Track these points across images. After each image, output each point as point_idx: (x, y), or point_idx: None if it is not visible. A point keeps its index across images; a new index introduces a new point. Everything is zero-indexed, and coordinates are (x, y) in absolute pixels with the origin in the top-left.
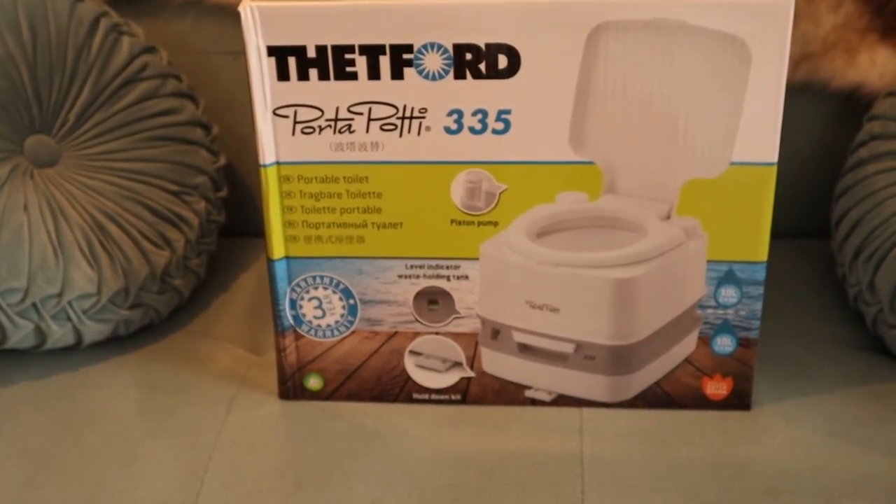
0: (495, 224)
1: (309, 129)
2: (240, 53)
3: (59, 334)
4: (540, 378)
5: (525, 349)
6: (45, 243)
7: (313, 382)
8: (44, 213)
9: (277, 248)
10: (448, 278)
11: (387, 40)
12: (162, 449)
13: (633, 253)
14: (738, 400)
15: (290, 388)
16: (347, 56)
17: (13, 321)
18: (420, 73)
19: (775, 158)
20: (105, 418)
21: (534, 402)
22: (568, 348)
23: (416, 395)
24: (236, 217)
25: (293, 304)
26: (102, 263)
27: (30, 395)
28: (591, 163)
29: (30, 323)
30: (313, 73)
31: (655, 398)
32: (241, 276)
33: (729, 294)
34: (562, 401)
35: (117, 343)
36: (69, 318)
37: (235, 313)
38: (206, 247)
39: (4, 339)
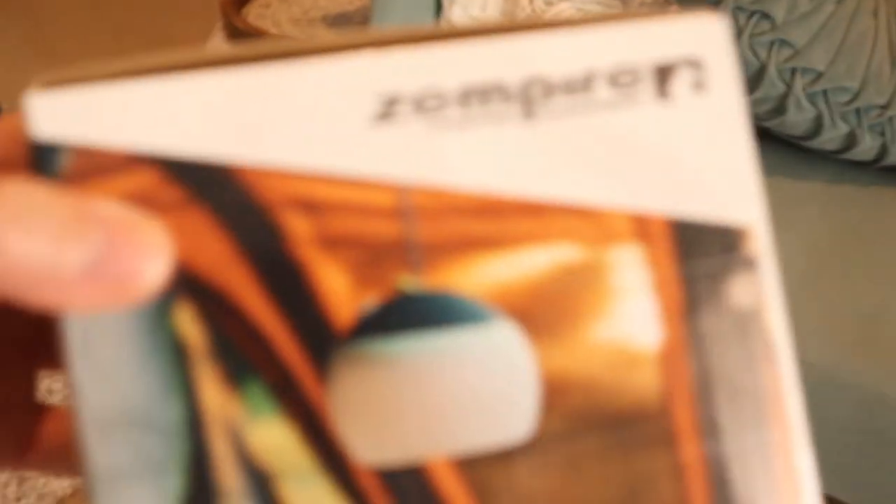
0: None
1: None
2: None
3: (867, 146)
4: None
5: None
6: (884, 53)
7: None
8: (891, 24)
9: None
10: None
11: None
12: None
13: None
14: None
15: None
16: None
17: (834, 121)
18: None
19: None
20: None
21: None
22: None
23: None
24: None
25: None
26: None
27: (824, 199)
28: None
29: (846, 126)
30: None
31: None
32: None
33: None
34: None
35: None
36: (883, 133)
37: None
38: None
39: (817, 133)
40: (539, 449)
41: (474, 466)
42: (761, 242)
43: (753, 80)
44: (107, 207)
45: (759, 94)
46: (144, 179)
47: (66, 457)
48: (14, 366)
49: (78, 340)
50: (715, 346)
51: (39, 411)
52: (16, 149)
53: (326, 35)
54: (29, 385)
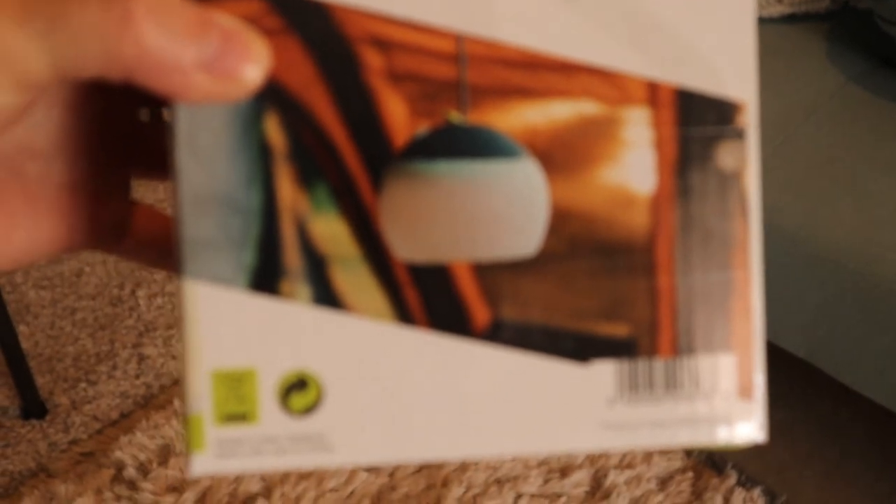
0: None
1: None
2: None
3: None
4: None
5: None
6: None
7: None
8: None
9: None
10: None
11: None
12: None
13: None
14: None
15: None
16: None
17: None
18: None
19: None
20: None
21: None
22: None
23: None
24: None
25: None
26: None
27: None
28: None
29: None
30: None
31: None
32: None
33: None
34: None
35: None
36: None
37: None
38: None
39: None
40: (542, 264)
41: (488, 272)
42: (751, 116)
43: None
44: (224, 18)
45: None
46: (252, 7)
47: (151, 248)
48: (117, 163)
49: (184, 128)
50: (698, 198)
51: (132, 205)
52: None
53: None
54: (126, 182)
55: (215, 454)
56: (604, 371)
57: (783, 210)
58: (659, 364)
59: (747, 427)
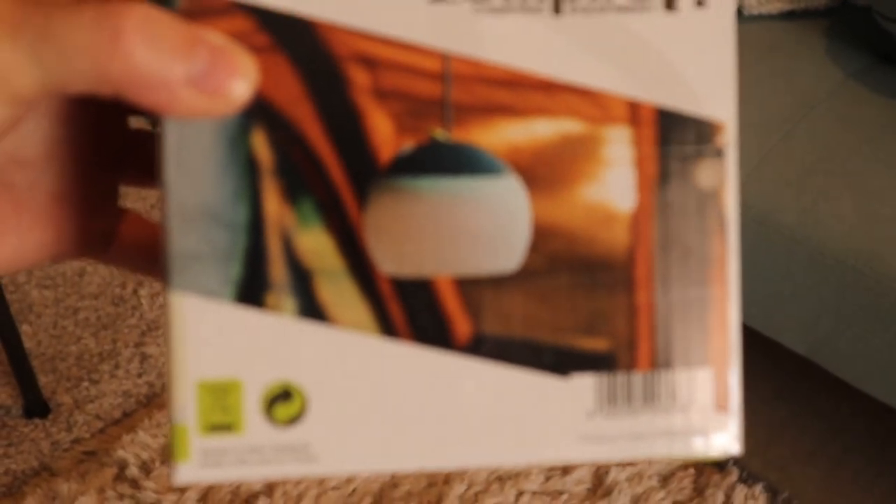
0: None
1: None
2: None
3: None
4: None
5: None
6: None
7: None
8: None
9: None
10: None
11: None
12: None
13: None
14: None
15: None
16: None
17: None
18: None
19: None
20: None
21: None
22: None
23: None
24: None
25: None
26: None
27: None
28: None
29: None
30: None
31: None
32: None
33: None
34: None
35: None
36: None
37: None
38: None
39: None
40: (523, 279)
41: (471, 287)
42: (730, 136)
43: None
44: (212, 34)
45: None
46: (240, 24)
47: (139, 256)
48: (106, 172)
49: (173, 143)
50: (677, 215)
51: (121, 213)
52: None
53: None
54: (115, 190)
55: (200, 464)
56: (583, 384)
57: (783, 207)
58: (637, 378)
59: (723, 439)
